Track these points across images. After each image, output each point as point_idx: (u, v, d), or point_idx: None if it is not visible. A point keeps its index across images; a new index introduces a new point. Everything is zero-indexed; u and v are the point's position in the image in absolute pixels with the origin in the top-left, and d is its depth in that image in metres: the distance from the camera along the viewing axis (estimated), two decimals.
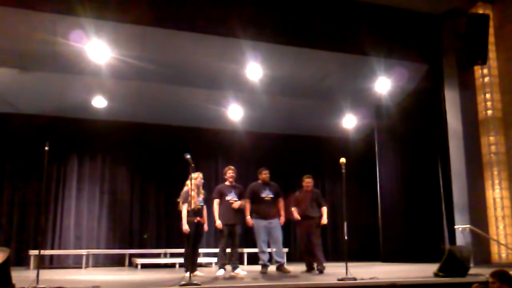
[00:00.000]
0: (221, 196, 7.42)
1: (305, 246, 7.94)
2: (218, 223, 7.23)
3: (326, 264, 7.69)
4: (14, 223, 10.71)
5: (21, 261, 10.37)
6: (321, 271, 7.39)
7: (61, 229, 10.97)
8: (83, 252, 10.37)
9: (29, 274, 7.95)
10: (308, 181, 7.97)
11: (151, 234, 11.64)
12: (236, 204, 7.39)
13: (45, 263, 10.42)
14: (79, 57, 8.70)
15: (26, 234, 10.65)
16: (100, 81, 9.67)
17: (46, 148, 5.63)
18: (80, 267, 10.18)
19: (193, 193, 6.82)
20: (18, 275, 7.77)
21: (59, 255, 10.81)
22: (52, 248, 10.77)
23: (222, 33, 8.71)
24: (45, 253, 10.41)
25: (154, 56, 9.02)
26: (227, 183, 7.58)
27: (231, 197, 7.41)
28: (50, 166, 10.78)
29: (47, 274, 7.50)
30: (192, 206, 6.82)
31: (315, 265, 7.73)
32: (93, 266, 10.52)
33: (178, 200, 7.26)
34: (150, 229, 11.67)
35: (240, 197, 7.50)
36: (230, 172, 7.58)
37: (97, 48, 8.50)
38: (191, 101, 10.77)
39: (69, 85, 9.92)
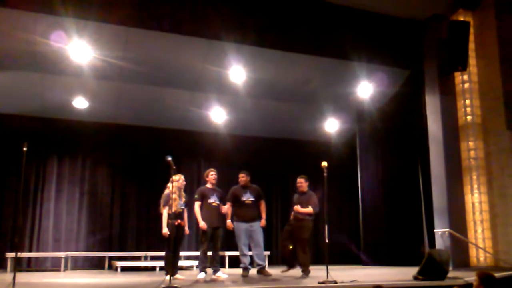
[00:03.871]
0: (203, 198, 7.38)
1: (284, 244, 7.92)
2: (202, 224, 7.16)
3: None
4: None
5: None
6: (305, 273, 7.42)
7: (39, 231, 10.79)
8: (62, 254, 10.22)
9: (6, 277, 7.82)
10: (299, 181, 7.92)
11: (131, 236, 11.53)
12: (225, 209, 7.38)
13: (22, 265, 10.26)
14: (60, 57, 8.62)
15: (3, 236, 10.44)
16: (82, 81, 9.58)
17: (25, 148, 5.55)
18: (59, 270, 10.04)
19: (174, 196, 6.78)
20: None
21: (37, 258, 10.64)
22: (30, 251, 10.59)
23: (205, 35, 8.69)
24: (23, 256, 10.22)
25: (136, 57, 8.96)
26: (208, 185, 7.54)
27: (213, 199, 7.38)
28: (29, 167, 10.60)
29: (25, 277, 7.39)
30: (173, 209, 6.78)
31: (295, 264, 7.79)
32: (72, 269, 10.38)
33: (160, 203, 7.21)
34: (131, 231, 11.56)
35: (221, 200, 7.48)
36: (213, 174, 7.55)
37: (78, 48, 8.43)
38: (173, 102, 10.72)
39: (50, 85, 9.80)
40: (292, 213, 7.86)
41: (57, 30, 8.02)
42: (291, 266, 7.83)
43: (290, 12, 9.17)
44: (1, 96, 10.00)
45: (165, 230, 6.84)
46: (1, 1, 7.45)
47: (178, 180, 7.17)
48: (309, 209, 7.65)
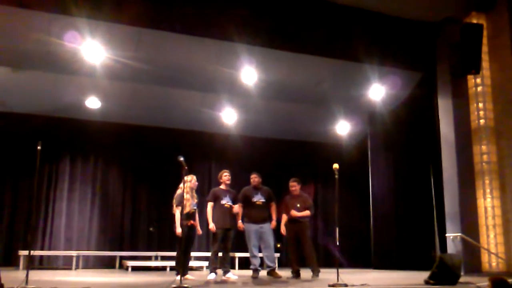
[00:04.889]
0: (216, 199, 7.39)
1: (292, 251, 7.81)
2: (212, 226, 7.19)
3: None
4: (4, 223, 10.65)
5: (11, 261, 10.30)
6: (316, 274, 7.36)
7: (51, 229, 10.90)
8: (73, 253, 10.31)
9: (19, 274, 7.89)
10: (292, 185, 7.86)
11: (142, 236, 11.58)
12: (236, 208, 7.38)
13: (34, 263, 10.35)
14: (73, 57, 8.68)
15: (16, 234, 10.57)
16: (94, 81, 9.65)
17: (39, 147, 5.60)
18: (70, 269, 10.13)
19: (187, 196, 6.80)
20: (7, 275, 7.70)
21: (49, 256, 10.74)
22: (42, 249, 10.70)
23: (217, 36, 8.71)
24: (35, 254, 10.32)
25: (149, 57, 9.00)
26: (222, 186, 7.55)
27: (226, 201, 7.39)
28: (42, 166, 10.73)
29: (37, 275, 7.44)
30: (187, 210, 6.79)
31: (301, 271, 7.67)
32: (83, 268, 10.46)
33: (173, 203, 7.23)
34: (142, 231, 11.62)
35: (234, 201, 7.49)
36: (226, 175, 7.56)
37: (91, 48, 8.49)
38: (185, 103, 10.76)
39: (63, 85, 9.89)
40: (286, 217, 7.79)
41: (70, 31, 8.07)
42: (298, 274, 7.72)
43: (301, 14, 9.16)
44: (15, 96, 10.12)
45: (179, 230, 6.86)
46: (16, 1, 7.53)
47: (190, 180, 7.19)
48: (306, 212, 7.66)
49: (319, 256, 12.28)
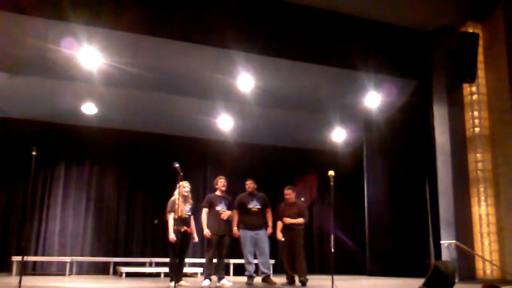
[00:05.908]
0: (211, 205, 7.39)
1: (286, 258, 7.70)
2: (207, 231, 7.18)
3: (312, 277, 7.64)
4: None
5: (4, 267, 10.24)
6: (303, 283, 7.31)
7: (45, 235, 10.83)
8: (67, 259, 10.25)
9: (11, 280, 7.86)
10: (287, 193, 7.81)
11: (136, 242, 11.54)
12: (225, 214, 7.35)
13: (28, 269, 10.28)
14: (70, 63, 8.69)
15: (10, 239, 10.50)
16: (91, 87, 9.64)
17: (34, 153, 5.60)
18: (64, 275, 10.07)
19: (179, 202, 6.78)
20: (0, 281, 7.68)
21: (42, 262, 10.67)
22: (36, 255, 10.63)
23: (214, 43, 8.75)
24: (29, 259, 10.26)
25: (146, 64, 9.01)
26: (217, 193, 7.54)
27: (221, 207, 7.37)
28: (37, 171, 10.68)
29: (30, 281, 7.41)
30: (179, 214, 6.78)
31: (296, 277, 7.66)
32: (77, 274, 10.40)
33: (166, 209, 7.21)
34: (136, 237, 11.57)
35: (229, 207, 7.48)
36: (222, 181, 7.55)
37: (88, 54, 8.51)
38: (181, 110, 10.78)
39: (60, 91, 9.88)
40: (281, 224, 7.74)
41: (68, 37, 8.10)
42: (292, 281, 7.69)
43: (298, 22, 9.21)
44: (12, 101, 10.11)
45: (172, 236, 6.85)
46: (13, 6, 7.55)
47: (179, 186, 7.16)
48: (300, 220, 7.60)
49: (315, 263, 12.37)
